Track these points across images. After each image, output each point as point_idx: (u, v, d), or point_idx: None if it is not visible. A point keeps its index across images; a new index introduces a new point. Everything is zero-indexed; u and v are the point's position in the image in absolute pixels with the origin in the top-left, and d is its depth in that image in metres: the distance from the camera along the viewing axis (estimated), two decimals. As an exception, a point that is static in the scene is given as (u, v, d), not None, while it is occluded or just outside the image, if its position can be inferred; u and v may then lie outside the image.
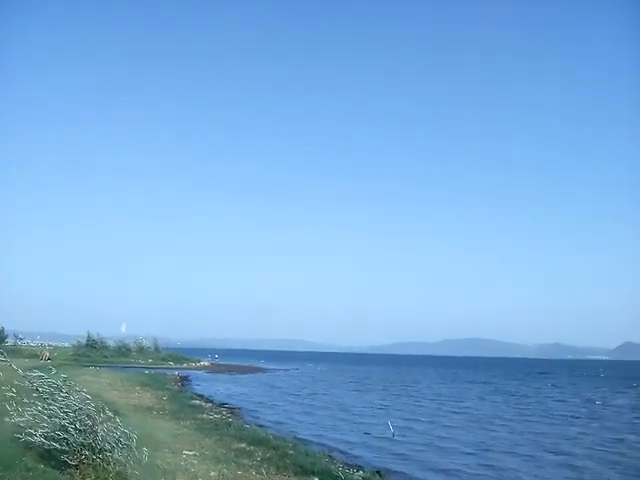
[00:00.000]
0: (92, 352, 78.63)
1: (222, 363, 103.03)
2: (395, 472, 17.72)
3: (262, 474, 13.19)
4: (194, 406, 29.05)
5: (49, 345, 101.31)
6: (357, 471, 16.46)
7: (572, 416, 35.50)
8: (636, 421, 33.97)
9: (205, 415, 25.10)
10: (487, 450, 22.32)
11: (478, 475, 18.01)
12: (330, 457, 18.78)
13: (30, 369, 11.39)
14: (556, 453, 22.33)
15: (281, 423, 28.30)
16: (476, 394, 52.38)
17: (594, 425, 31.27)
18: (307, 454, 17.33)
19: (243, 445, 17.18)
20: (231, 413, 29.52)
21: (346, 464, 17.91)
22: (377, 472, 16.86)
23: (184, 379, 54.82)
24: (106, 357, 76.83)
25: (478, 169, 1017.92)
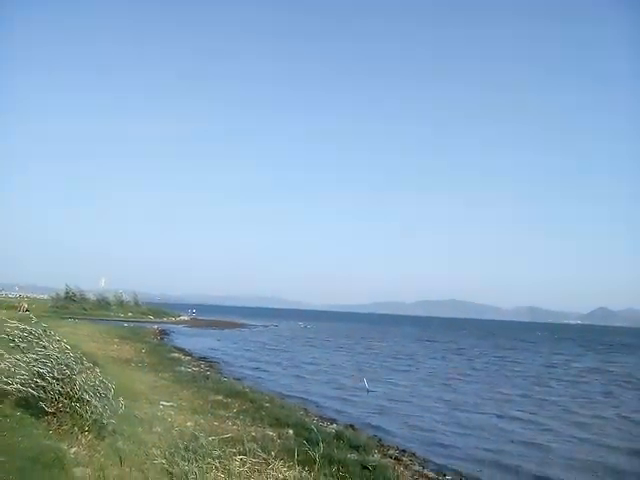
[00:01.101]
0: (71, 304, 78.46)
1: (202, 318, 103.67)
2: (368, 426, 18.24)
3: (238, 425, 13.52)
4: (173, 359, 29.34)
5: (27, 297, 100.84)
6: (331, 424, 16.92)
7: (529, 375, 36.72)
8: (582, 379, 35.31)
9: (183, 368, 25.40)
10: (454, 409, 22.99)
11: (446, 430, 18.64)
12: (305, 410, 19.25)
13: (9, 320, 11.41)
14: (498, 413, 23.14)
15: (259, 377, 28.82)
16: (442, 353, 53.70)
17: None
18: (282, 407, 17.76)
19: (220, 397, 17.51)
20: (209, 366, 29.92)
21: (320, 417, 18.40)
22: (350, 426, 17.36)
23: (163, 333, 55.09)
24: (85, 310, 76.66)
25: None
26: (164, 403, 14.61)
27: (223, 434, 11.31)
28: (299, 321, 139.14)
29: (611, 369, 43.76)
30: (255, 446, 10.37)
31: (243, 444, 10.14)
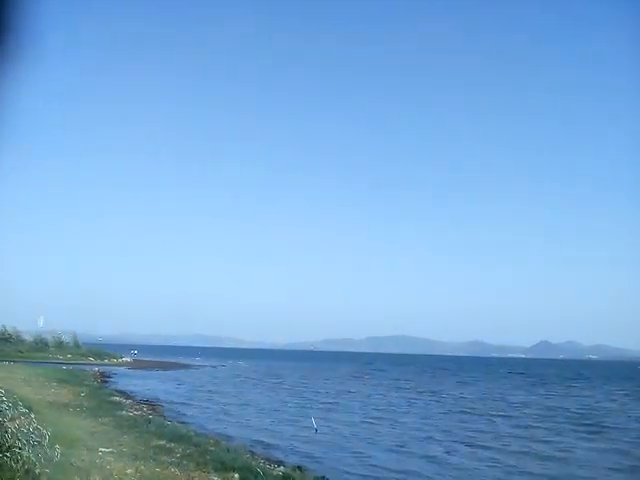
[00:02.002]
0: (6, 346, 74.63)
1: (146, 359, 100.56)
2: (316, 467, 17.97)
3: (181, 471, 13.07)
4: (113, 403, 28.30)
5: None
6: (278, 466, 16.58)
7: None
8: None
9: (125, 412, 24.50)
10: (399, 446, 22.98)
11: (394, 467, 18.55)
12: (252, 453, 18.82)
13: None
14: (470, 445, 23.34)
15: (204, 420, 28.06)
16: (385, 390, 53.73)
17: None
18: (228, 450, 17.30)
19: (163, 442, 16.91)
20: (152, 410, 28.97)
21: (267, 459, 18.01)
22: (298, 467, 17.04)
23: (104, 375, 53.18)
24: (21, 352, 73.10)
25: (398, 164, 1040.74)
26: (103, 449, 14.00)
27: (165, 481, 10.92)
28: (248, 360, 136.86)
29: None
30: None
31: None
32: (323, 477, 16.18)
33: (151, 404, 32.21)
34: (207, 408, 33.47)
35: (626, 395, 54.93)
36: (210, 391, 45.53)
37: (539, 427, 29.45)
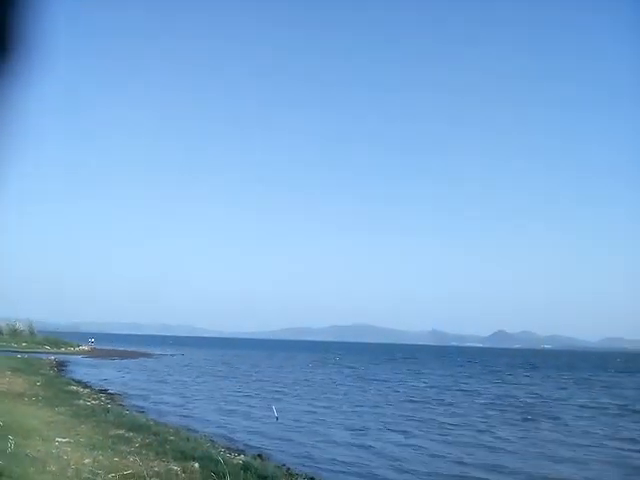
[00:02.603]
0: (-43, 335, 72.52)
1: (104, 348, 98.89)
2: (276, 455, 18.06)
3: (140, 460, 12.94)
4: (70, 392, 27.76)
5: None
6: (238, 455, 16.57)
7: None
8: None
9: (82, 401, 24.07)
10: (363, 432, 23.26)
11: (352, 453, 18.78)
12: (212, 442, 18.75)
13: None
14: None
15: (163, 409, 27.85)
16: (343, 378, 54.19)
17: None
18: (188, 439, 17.20)
19: (121, 431, 16.70)
20: (110, 399, 28.55)
21: (228, 448, 17.98)
22: (259, 455, 17.10)
23: (61, 364, 52.07)
24: (-27, 341, 71.11)
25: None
26: (60, 440, 13.75)
27: (123, 470, 10.80)
28: (208, 349, 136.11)
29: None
30: (158, 482, 9.97)
31: (145, 480, 9.72)
32: (283, 465, 16.27)
33: (109, 393, 31.76)
34: (166, 397, 33.17)
35: (575, 383, 56.66)
36: (169, 380, 45.15)
37: (483, 415, 29.85)
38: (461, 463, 18.07)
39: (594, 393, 45.42)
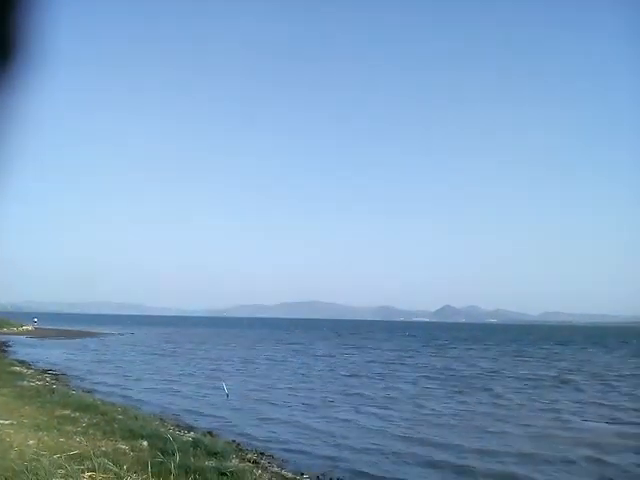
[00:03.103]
0: None
1: (48, 327, 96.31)
2: (227, 431, 18.13)
3: (87, 440, 12.76)
4: (14, 373, 27.00)
5: None
6: (188, 432, 16.56)
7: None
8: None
9: (26, 382, 23.45)
10: (309, 408, 23.59)
11: (303, 429, 19.06)
12: (161, 420, 18.64)
13: None
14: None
15: (112, 388, 27.51)
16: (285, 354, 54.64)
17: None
18: (137, 418, 17.04)
19: (67, 412, 16.39)
20: (56, 379, 27.96)
21: (177, 426, 17.92)
22: (209, 432, 17.13)
23: (3, 344, 50.55)
24: None
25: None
26: (2, 422, 13.38)
27: (70, 451, 10.61)
28: (156, 327, 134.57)
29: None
30: (106, 461, 9.84)
31: (92, 460, 9.59)
32: (234, 441, 16.36)
33: (54, 373, 31.05)
34: (113, 377, 32.71)
35: (514, 356, 58.65)
36: (116, 359, 44.47)
37: (423, 389, 30.53)
38: (399, 437, 18.42)
39: (532, 365, 47.21)
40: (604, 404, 26.11)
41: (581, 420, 22.16)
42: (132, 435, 13.77)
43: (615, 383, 34.41)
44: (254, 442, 16.66)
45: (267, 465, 13.91)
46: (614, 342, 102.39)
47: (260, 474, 12.68)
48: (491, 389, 30.66)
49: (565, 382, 34.50)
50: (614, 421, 22.04)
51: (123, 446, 12.53)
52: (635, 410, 24.39)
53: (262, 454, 15.04)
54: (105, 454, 11.11)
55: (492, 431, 19.69)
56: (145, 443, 12.99)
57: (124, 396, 24.90)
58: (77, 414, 16.21)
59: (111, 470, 9.37)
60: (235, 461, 13.05)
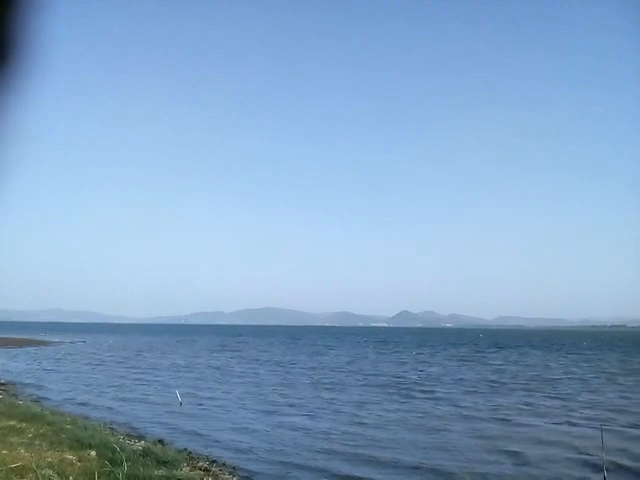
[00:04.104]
0: None
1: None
2: (179, 440, 17.95)
3: (32, 451, 12.49)
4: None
5: None
6: (139, 441, 16.36)
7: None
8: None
9: (-30, 393, 22.73)
10: (262, 414, 23.58)
11: (254, 435, 19.03)
12: (112, 429, 18.36)
13: None
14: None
15: (61, 397, 26.87)
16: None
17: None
18: (86, 428, 16.71)
19: (13, 422, 15.95)
20: (2, 389, 27.14)
21: (128, 435, 17.67)
22: (159, 441, 16.95)
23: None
24: None
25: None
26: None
27: (12, 463, 10.38)
28: (110, 335, 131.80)
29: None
30: (50, 472, 9.70)
31: (35, 472, 9.42)
32: (185, 449, 16.24)
33: (0, 383, 30.13)
34: (62, 386, 31.91)
35: (463, 360, 59.64)
36: (66, 368, 43.34)
37: (368, 394, 30.51)
38: (347, 440, 18.56)
39: (478, 369, 47.95)
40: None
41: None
42: (80, 445, 13.53)
43: (534, 384, 35.65)
44: (206, 450, 16.54)
45: (218, 472, 13.86)
46: (557, 344, 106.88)
47: (211, 482, 12.65)
48: (431, 391, 31.51)
49: (503, 384, 35.46)
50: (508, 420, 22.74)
51: (70, 457, 12.31)
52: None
53: (214, 462, 14.97)
54: (50, 465, 10.90)
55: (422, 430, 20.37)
56: (93, 453, 12.79)
57: (73, 405, 24.37)
58: (23, 425, 15.80)
59: (56, 482, 9.23)
60: (186, 469, 12.98)
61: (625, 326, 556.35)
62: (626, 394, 30.98)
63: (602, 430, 15.03)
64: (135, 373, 40.66)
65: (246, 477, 13.77)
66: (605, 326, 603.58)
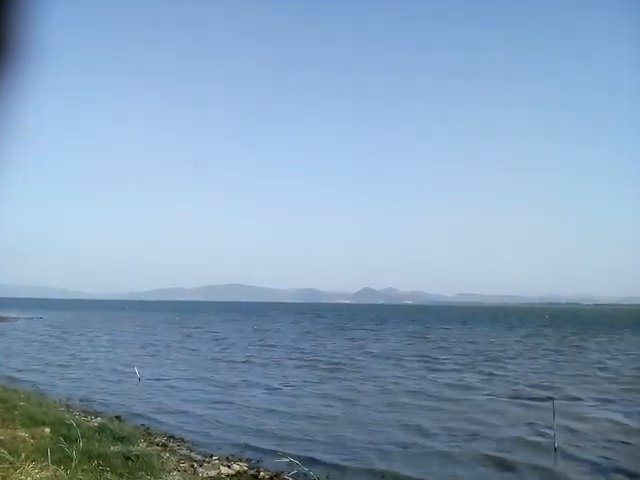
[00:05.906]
0: None
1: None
2: (136, 415, 17.86)
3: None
4: None
5: None
6: (95, 417, 16.25)
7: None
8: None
9: None
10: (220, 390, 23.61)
11: (213, 411, 19.06)
12: (67, 406, 18.16)
13: None
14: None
15: (12, 375, 26.30)
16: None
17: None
18: (40, 404, 16.46)
19: (-37, 401, 15.61)
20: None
21: (85, 412, 17.52)
22: (117, 417, 16.84)
23: None
24: None
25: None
26: None
27: (-39, 441, 10.16)
28: (71, 312, 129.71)
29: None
30: (2, 450, 9.50)
31: (-15, 449, 9.22)
32: (142, 425, 16.18)
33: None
34: (16, 363, 31.29)
35: (411, 337, 59.12)
36: (22, 345, 42.46)
37: (306, 373, 29.68)
38: (302, 416, 18.72)
39: (426, 345, 47.63)
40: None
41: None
42: (33, 422, 13.32)
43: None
44: (163, 426, 16.50)
45: (176, 448, 13.89)
46: (512, 321, 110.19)
47: (168, 457, 12.65)
48: (360, 368, 31.18)
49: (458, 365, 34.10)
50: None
51: (23, 434, 12.11)
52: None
53: (171, 437, 14.99)
54: (1, 443, 10.70)
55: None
56: (47, 430, 12.61)
57: (27, 382, 23.93)
58: (-27, 403, 15.46)
59: (6, 460, 9.06)
60: (143, 445, 12.93)
61: (579, 304, 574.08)
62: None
63: (553, 403, 15.51)
64: (91, 349, 40.17)
65: (204, 452, 13.81)
66: (560, 303, 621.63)
